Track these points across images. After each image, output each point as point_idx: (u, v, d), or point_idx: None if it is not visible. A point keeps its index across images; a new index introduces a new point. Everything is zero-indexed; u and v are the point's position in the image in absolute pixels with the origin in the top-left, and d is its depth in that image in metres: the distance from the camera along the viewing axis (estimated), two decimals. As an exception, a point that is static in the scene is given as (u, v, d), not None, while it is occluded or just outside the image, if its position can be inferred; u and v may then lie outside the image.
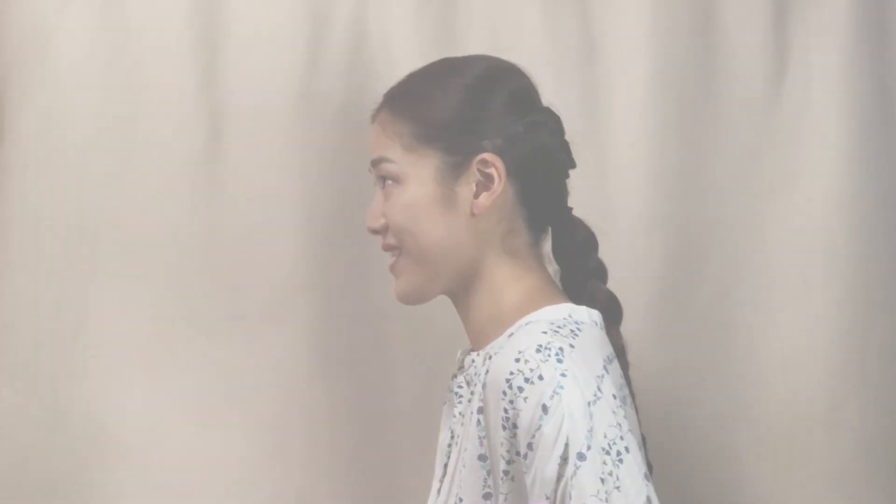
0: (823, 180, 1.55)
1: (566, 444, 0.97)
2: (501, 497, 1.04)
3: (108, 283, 1.43)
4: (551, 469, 0.98)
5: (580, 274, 1.17)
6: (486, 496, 1.05)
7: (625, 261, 1.50)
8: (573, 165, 1.18)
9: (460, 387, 1.13)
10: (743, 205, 1.56)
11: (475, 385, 1.09)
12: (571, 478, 0.97)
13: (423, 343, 1.48)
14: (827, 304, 1.54)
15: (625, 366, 1.15)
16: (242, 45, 1.46)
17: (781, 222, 1.55)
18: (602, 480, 0.97)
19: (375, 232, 1.17)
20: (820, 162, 1.55)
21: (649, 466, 1.15)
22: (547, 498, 0.98)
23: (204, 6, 1.45)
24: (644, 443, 1.15)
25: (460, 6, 1.51)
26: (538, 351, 1.01)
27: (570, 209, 1.19)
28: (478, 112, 1.12)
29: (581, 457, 0.97)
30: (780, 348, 1.54)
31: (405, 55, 1.47)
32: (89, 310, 1.43)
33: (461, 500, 1.08)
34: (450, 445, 1.14)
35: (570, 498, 0.97)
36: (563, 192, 1.18)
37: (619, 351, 1.14)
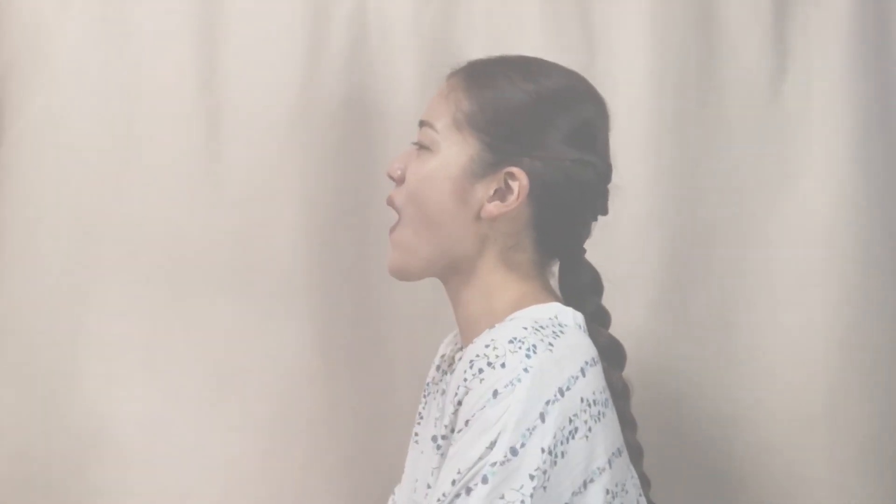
0: (823, 180, 1.55)
1: (500, 433, 0.96)
2: (434, 471, 1.04)
3: (108, 283, 1.43)
4: (476, 450, 0.97)
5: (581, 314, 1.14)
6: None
7: (625, 261, 1.50)
8: (604, 213, 1.15)
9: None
10: (743, 205, 1.55)
11: None
12: (494, 465, 0.96)
13: (423, 343, 1.47)
14: (827, 304, 1.54)
15: (626, 407, 1.12)
16: (242, 45, 1.45)
17: (781, 222, 1.55)
18: (531, 477, 0.96)
19: (391, 178, 1.16)
20: (820, 162, 1.55)
21: (639, 451, 1.15)
22: (458, 473, 0.97)
23: (204, 6, 1.45)
24: (634, 431, 1.14)
25: (460, 5, 1.51)
26: (510, 342, 1.00)
27: (584, 251, 1.16)
28: (534, 126, 1.09)
29: (514, 451, 0.96)
30: (780, 348, 1.54)
31: (405, 55, 1.47)
32: (89, 310, 1.42)
33: (417, 480, 1.09)
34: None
35: (485, 482, 0.96)
36: (581, 233, 1.15)
37: (622, 395, 1.11)
